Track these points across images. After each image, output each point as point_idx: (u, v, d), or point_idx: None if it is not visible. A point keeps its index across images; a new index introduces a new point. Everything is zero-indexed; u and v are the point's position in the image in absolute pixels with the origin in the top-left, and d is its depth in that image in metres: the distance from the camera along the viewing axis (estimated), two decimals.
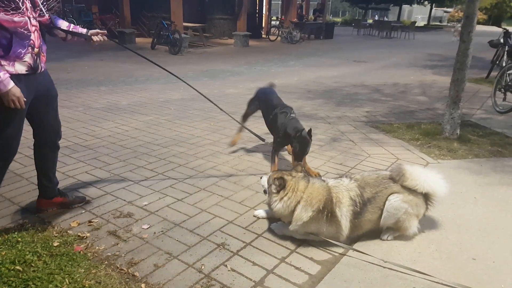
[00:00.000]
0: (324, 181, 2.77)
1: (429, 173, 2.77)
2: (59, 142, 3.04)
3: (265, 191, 2.87)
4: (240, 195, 3.38)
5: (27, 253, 2.42)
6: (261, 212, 3.06)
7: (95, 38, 3.03)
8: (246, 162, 4.14)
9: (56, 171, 3.07)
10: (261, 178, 2.93)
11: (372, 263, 2.50)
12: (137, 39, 16.35)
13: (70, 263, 2.38)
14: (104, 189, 3.44)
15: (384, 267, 2.46)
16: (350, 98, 7.45)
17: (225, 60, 12.89)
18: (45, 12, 2.72)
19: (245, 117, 4.44)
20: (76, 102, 6.43)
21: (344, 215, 2.61)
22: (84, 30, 3.01)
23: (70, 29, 2.93)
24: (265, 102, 4.16)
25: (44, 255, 2.43)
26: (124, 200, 3.24)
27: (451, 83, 4.96)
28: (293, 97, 7.37)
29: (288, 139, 3.63)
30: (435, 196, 2.73)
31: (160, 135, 5.01)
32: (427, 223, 2.92)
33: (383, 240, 2.76)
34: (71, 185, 3.48)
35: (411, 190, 2.69)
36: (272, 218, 2.99)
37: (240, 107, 6.41)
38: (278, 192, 2.64)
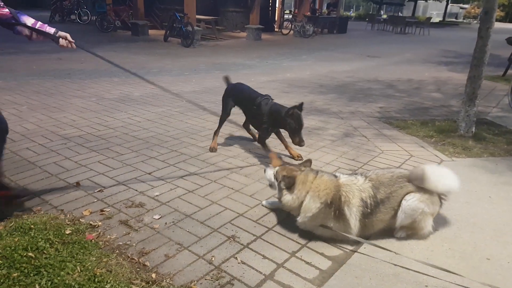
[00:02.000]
0: (336, 176, 2.74)
1: (446, 172, 2.71)
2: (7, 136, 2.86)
3: (270, 185, 2.85)
4: (251, 188, 3.37)
5: (40, 240, 2.44)
6: (269, 202, 3.05)
7: (61, 42, 2.84)
8: (257, 155, 4.12)
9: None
10: (264, 171, 2.89)
11: (384, 261, 2.47)
12: (150, 31, 16.38)
13: (81, 251, 2.40)
14: (116, 178, 3.45)
15: (396, 265, 2.44)
16: (363, 93, 7.37)
17: (237, 53, 12.85)
18: (3, 5, 2.57)
19: (223, 121, 4.31)
20: (89, 93, 6.47)
21: (353, 214, 2.57)
22: (52, 30, 2.81)
23: (36, 27, 2.76)
24: (242, 97, 4.14)
25: (56, 243, 2.45)
26: (136, 190, 3.26)
27: (468, 80, 4.86)
28: (305, 91, 7.32)
29: (277, 122, 3.71)
30: (449, 192, 2.69)
31: (172, 126, 5.01)
32: (441, 222, 2.87)
33: (397, 238, 2.72)
34: (83, 174, 3.51)
35: (426, 189, 2.64)
36: (281, 210, 2.99)
37: None
38: (288, 188, 2.62)
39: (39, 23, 2.81)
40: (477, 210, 3.12)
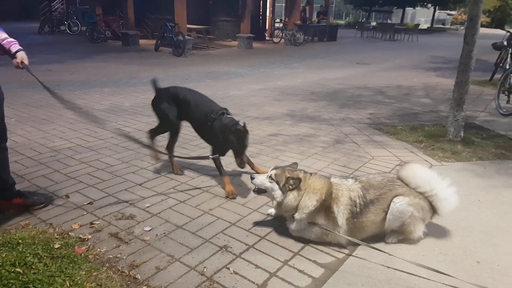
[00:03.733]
0: (326, 177, 2.78)
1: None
2: (7, 144, 2.92)
3: (258, 191, 2.78)
4: (243, 197, 3.36)
5: (28, 255, 2.40)
6: (272, 211, 3.05)
7: (15, 62, 2.87)
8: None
9: (9, 172, 2.97)
10: (252, 178, 2.79)
11: (376, 265, 2.48)
12: (141, 41, 16.38)
13: (71, 265, 2.36)
14: (106, 190, 3.42)
15: (389, 267, 2.45)
16: (353, 100, 7.42)
17: (229, 62, 12.89)
18: None
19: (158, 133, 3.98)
20: (79, 103, 6.43)
21: (341, 212, 2.62)
22: (15, 48, 2.84)
23: (2, 43, 2.81)
24: (192, 105, 3.64)
25: (45, 257, 2.41)
26: (126, 202, 3.23)
27: (455, 85, 4.93)
28: (297, 99, 7.35)
29: (227, 140, 3.39)
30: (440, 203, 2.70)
31: (163, 136, 4.97)
32: (431, 226, 2.88)
33: (387, 243, 2.74)
34: (73, 187, 3.47)
35: (417, 193, 2.67)
36: (274, 219, 2.99)
37: (243, 109, 6.42)
38: (292, 189, 2.65)
39: (9, 39, 2.85)
40: (467, 214, 3.14)
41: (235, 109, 6.23)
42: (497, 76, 8.91)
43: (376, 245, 2.69)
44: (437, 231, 2.88)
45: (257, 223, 2.96)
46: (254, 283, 2.31)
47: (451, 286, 2.29)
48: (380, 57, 15.06)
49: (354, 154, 4.46)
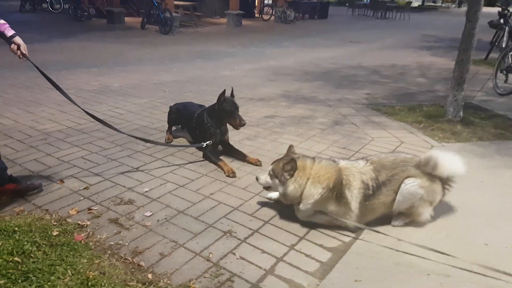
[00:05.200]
0: (334, 161, 2.70)
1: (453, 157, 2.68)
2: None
3: (267, 188, 2.79)
4: (243, 181, 3.28)
5: (26, 243, 2.30)
6: (273, 195, 2.96)
7: (12, 46, 2.83)
8: (247, 147, 4.01)
9: (0, 156, 2.87)
10: (257, 179, 2.81)
11: (384, 248, 2.44)
12: (127, 19, 15.90)
13: (71, 253, 2.27)
14: (102, 175, 3.31)
15: (397, 251, 2.41)
16: (348, 80, 7.32)
17: (218, 40, 12.63)
18: None
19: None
20: (67, 84, 6.20)
21: (354, 196, 2.56)
22: (10, 33, 2.80)
23: None
24: (185, 114, 4.08)
25: (44, 245, 2.32)
26: (124, 186, 3.12)
27: (456, 64, 4.85)
28: (291, 79, 7.23)
29: (218, 120, 3.66)
30: (454, 177, 2.65)
31: (156, 118, 4.86)
32: (437, 208, 2.83)
33: (394, 226, 2.70)
34: (67, 171, 3.35)
35: (430, 175, 2.61)
36: (277, 202, 2.92)
37: (237, 90, 6.26)
38: (292, 176, 2.56)
39: (1, 21, 2.77)
40: (471, 196, 3.11)
41: (228, 90, 6.07)
42: (493, 55, 8.89)
43: (382, 228, 2.65)
44: (442, 213, 2.84)
45: (260, 208, 2.89)
46: (261, 268, 2.26)
47: (461, 268, 2.26)
48: (372, 36, 14.91)
49: (354, 135, 4.39)
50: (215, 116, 3.66)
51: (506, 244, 2.51)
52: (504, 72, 6.39)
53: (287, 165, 2.55)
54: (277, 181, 2.63)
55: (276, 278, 2.18)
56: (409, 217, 2.69)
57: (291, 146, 2.83)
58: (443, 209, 2.88)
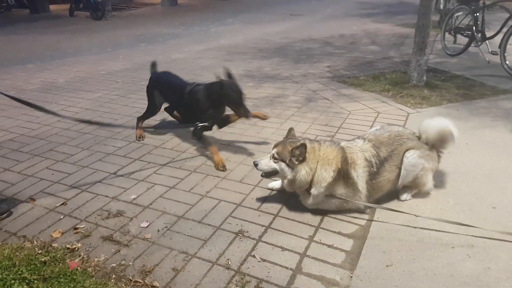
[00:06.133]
0: (334, 142, 2.59)
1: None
2: None
3: (268, 174, 2.55)
4: (237, 173, 3.07)
5: (13, 281, 1.96)
6: (275, 184, 2.81)
7: None
8: (228, 134, 3.78)
9: None
10: (256, 165, 2.54)
11: (402, 226, 2.40)
12: (52, 7, 14.56)
13: (71, 285, 1.96)
14: (77, 186, 2.93)
15: (415, 227, 2.37)
16: (305, 54, 7.21)
17: (157, 22, 11.96)
18: None
19: (152, 115, 3.86)
20: (4, 85, 5.49)
21: (360, 176, 2.48)
22: None
23: None
24: (168, 88, 3.65)
25: (36, 281, 1.98)
26: (107, 196, 2.79)
27: (416, 29, 4.89)
28: (247, 58, 6.98)
29: (217, 102, 3.23)
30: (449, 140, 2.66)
31: (118, 113, 4.45)
32: (435, 176, 2.84)
33: (402, 201, 2.66)
34: (34, 186, 2.93)
35: (426, 145, 2.61)
36: (280, 193, 2.76)
37: (196, 73, 5.94)
38: (301, 161, 2.40)
39: None
40: (462, 159, 3.16)
41: (186, 74, 5.68)
42: (433, 18, 9.15)
43: (391, 204, 2.61)
44: (442, 181, 2.86)
45: (264, 200, 2.71)
46: (287, 268, 2.10)
47: (481, 237, 2.26)
48: (311, 7, 14.88)
49: (331, 111, 4.31)
50: (215, 100, 3.22)
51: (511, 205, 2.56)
52: (453, 33, 6.61)
53: (297, 149, 2.39)
54: (283, 165, 2.44)
55: (306, 277, 2.04)
56: (414, 189, 2.68)
57: (291, 129, 2.67)
58: (440, 176, 2.90)
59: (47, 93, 5.18)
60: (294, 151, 2.40)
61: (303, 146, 2.38)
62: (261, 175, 2.60)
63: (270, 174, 2.55)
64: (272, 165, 2.49)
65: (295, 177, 2.43)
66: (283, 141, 2.55)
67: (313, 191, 2.45)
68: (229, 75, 3.25)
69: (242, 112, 3.14)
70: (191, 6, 16.09)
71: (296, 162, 2.41)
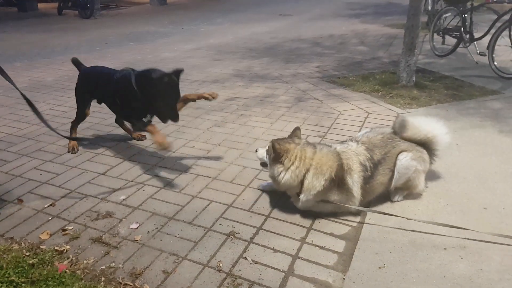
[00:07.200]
0: (330, 146, 2.58)
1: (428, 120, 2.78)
2: None
3: (263, 164, 2.65)
4: (228, 173, 3.05)
5: (0, 284, 1.91)
6: (265, 185, 2.81)
7: None
8: (219, 134, 3.75)
9: None
10: (256, 150, 2.69)
11: (393, 228, 2.39)
12: (40, 5, 14.28)
13: None
14: (65, 186, 2.88)
15: (406, 230, 2.37)
16: (294, 54, 7.21)
17: (146, 20, 11.86)
18: None
19: (80, 121, 3.55)
20: None
21: (355, 182, 2.47)
22: None
23: None
24: (98, 79, 3.32)
25: (23, 284, 1.94)
26: (96, 197, 2.75)
27: (406, 30, 4.93)
28: (237, 57, 6.96)
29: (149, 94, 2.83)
30: (437, 143, 2.69)
31: (107, 113, 4.33)
32: (426, 177, 2.85)
33: (394, 202, 2.67)
34: (22, 187, 2.87)
35: (418, 147, 2.62)
36: (271, 193, 2.75)
37: (185, 72, 5.88)
38: (280, 162, 2.40)
39: None
40: (452, 160, 3.18)
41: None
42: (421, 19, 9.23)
43: (383, 206, 2.63)
44: (433, 181, 2.87)
45: (255, 201, 2.70)
46: (279, 270, 2.09)
47: (472, 238, 2.27)
48: (300, 7, 14.88)
49: (321, 111, 4.31)
50: (147, 91, 2.84)
51: (502, 206, 2.59)
52: (441, 33, 6.67)
53: (271, 149, 2.43)
54: (268, 160, 2.52)
55: (298, 279, 2.03)
56: (406, 190, 2.68)
57: (296, 129, 2.62)
58: (431, 176, 2.91)
59: (35, 92, 5.08)
60: (269, 150, 2.46)
61: (273, 147, 2.41)
62: (260, 164, 2.71)
63: (264, 165, 2.63)
64: (264, 156, 2.57)
65: (273, 175, 2.45)
66: (281, 138, 2.57)
67: (302, 197, 2.44)
68: (177, 73, 2.88)
69: (171, 115, 2.81)
70: (180, 5, 15.99)
71: (273, 162, 2.44)
